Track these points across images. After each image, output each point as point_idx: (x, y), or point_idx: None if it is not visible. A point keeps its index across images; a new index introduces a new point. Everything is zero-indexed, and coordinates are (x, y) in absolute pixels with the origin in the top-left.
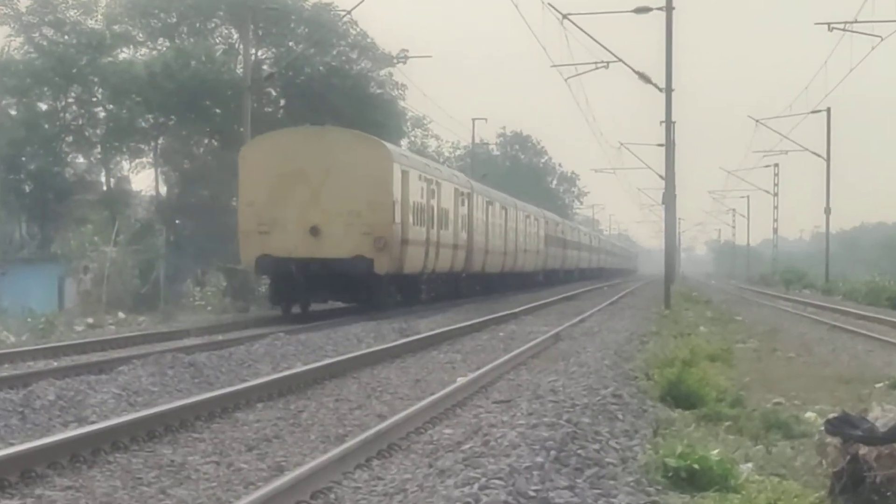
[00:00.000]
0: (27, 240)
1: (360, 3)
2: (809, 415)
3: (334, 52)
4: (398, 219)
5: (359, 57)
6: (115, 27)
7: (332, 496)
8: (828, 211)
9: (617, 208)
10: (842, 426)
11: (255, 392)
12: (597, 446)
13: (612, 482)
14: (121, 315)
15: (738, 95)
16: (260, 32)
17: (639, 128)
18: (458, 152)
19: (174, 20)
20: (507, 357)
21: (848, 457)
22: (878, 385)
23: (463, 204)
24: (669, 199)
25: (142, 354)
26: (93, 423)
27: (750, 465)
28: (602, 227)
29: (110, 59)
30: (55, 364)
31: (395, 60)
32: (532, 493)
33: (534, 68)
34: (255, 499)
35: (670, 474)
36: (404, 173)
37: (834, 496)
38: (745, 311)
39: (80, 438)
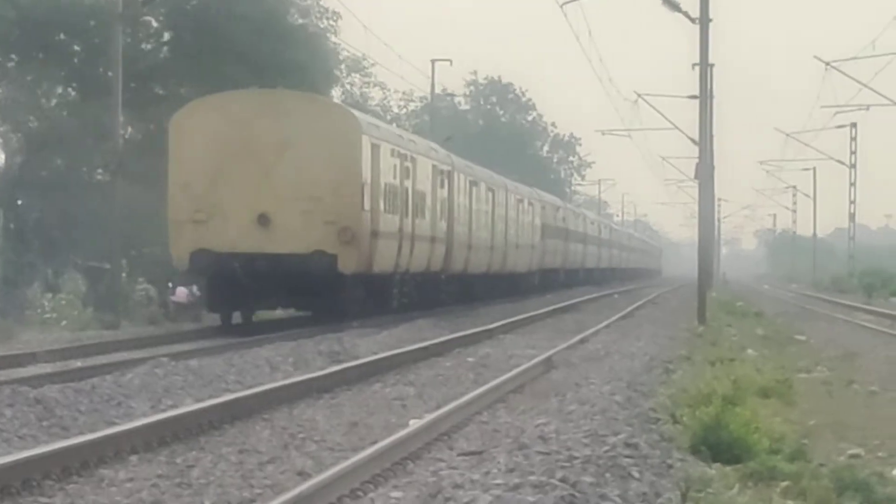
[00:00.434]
0: None
1: None
2: None
3: None
4: (367, 205)
5: None
6: None
7: None
8: None
9: (633, 185)
10: None
11: (128, 440)
12: None
13: None
14: None
15: (799, 29)
16: None
17: (663, 74)
18: (411, 106)
19: None
20: (478, 391)
21: None
22: None
23: (442, 185)
24: (705, 173)
25: None
26: None
27: None
28: (611, 211)
29: None
30: None
31: None
32: None
33: None
34: None
35: None
36: (374, 147)
37: None
38: (811, 329)
39: None
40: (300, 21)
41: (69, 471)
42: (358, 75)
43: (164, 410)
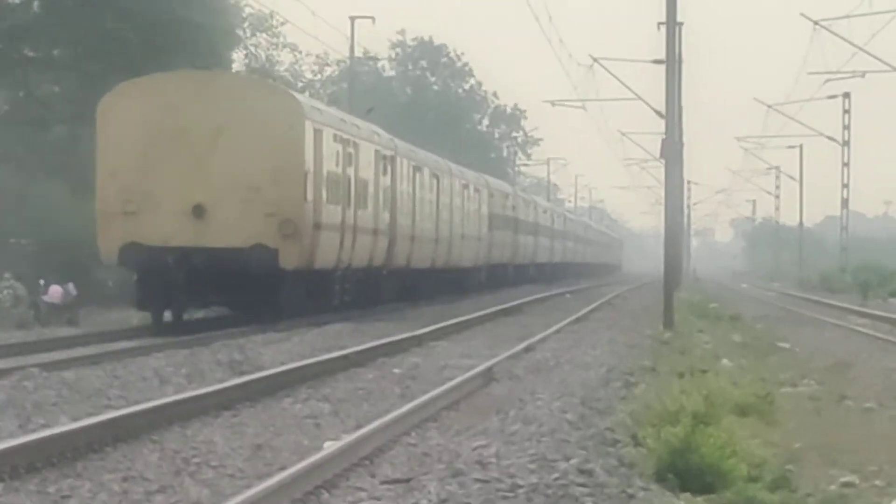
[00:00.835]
0: None
1: None
2: None
3: None
4: (310, 195)
5: None
6: None
7: None
8: None
9: (587, 165)
10: None
11: None
12: None
13: None
14: None
15: None
16: None
17: (623, 35)
18: (327, 72)
19: None
20: (406, 408)
21: None
22: None
23: (385, 172)
24: (672, 151)
25: None
26: None
27: None
28: (562, 195)
29: None
30: None
31: None
32: None
33: None
34: None
35: None
36: (317, 133)
37: None
38: (796, 335)
39: None
40: None
41: None
42: (264, 35)
43: (34, 431)
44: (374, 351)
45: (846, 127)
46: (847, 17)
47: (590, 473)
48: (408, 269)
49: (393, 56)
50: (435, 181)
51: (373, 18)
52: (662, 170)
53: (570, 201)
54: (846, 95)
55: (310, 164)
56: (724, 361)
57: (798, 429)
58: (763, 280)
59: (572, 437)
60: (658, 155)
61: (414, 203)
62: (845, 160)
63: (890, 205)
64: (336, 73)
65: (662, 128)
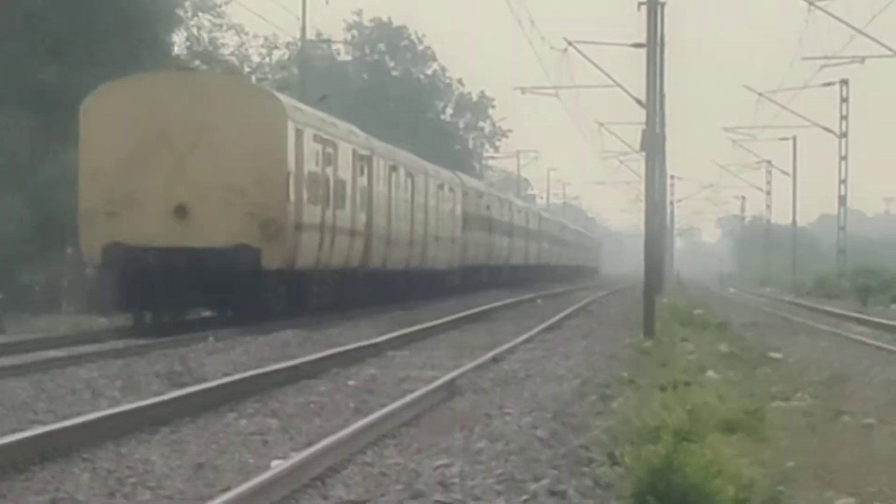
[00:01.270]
0: None
1: None
2: None
3: None
4: (292, 196)
5: None
6: None
7: None
8: None
9: (561, 158)
10: None
11: None
12: None
13: None
14: None
15: None
16: None
17: (600, 16)
18: (276, 55)
19: None
20: (361, 424)
21: None
22: None
23: (362, 172)
24: (654, 143)
25: None
26: None
27: None
28: (533, 191)
29: None
30: None
31: None
32: None
33: None
34: None
35: None
36: (298, 133)
37: None
38: (789, 344)
39: None
40: None
41: None
42: (208, 16)
43: None
44: (328, 361)
45: (844, 117)
46: None
47: (562, 495)
48: (383, 271)
49: (348, 38)
50: (410, 181)
51: None
52: (643, 163)
53: (542, 197)
54: (844, 82)
55: (292, 164)
56: (710, 373)
57: (790, 447)
58: (753, 284)
59: (543, 455)
60: (638, 147)
61: (390, 203)
62: (843, 153)
63: (891, 202)
64: (286, 56)
65: (643, 117)
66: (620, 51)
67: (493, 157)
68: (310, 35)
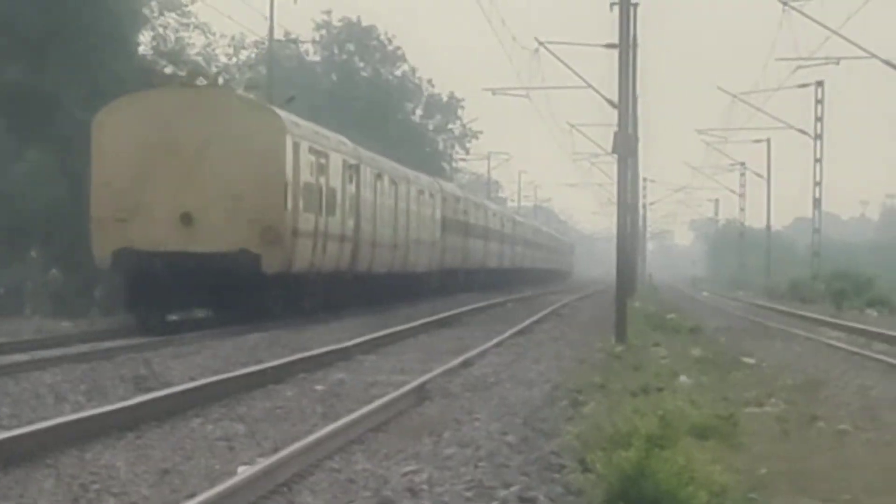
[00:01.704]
0: None
1: None
2: None
3: None
4: (290, 204)
5: None
6: None
7: None
8: None
9: (532, 160)
10: None
11: None
12: None
13: None
14: None
15: None
16: None
17: (572, 17)
18: (243, 55)
19: None
20: (329, 429)
21: None
22: None
23: (351, 180)
24: (626, 146)
25: None
26: None
27: None
28: (504, 193)
29: None
30: None
31: None
32: None
33: None
34: None
35: None
36: (296, 146)
37: None
38: (763, 349)
39: None
40: None
41: None
42: (174, 15)
43: None
44: (295, 365)
45: (819, 119)
46: None
47: (532, 502)
48: (369, 274)
49: (317, 38)
50: (394, 188)
51: None
52: (615, 166)
53: (512, 200)
54: (819, 84)
55: (289, 175)
56: (683, 378)
57: (764, 453)
58: (726, 288)
59: (513, 461)
60: (610, 149)
61: (375, 210)
62: (818, 156)
63: (867, 205)
64: (254, 56)
65: (615, 119)
66: (592, 51)
67: (463, 159)
68: (278, 35)
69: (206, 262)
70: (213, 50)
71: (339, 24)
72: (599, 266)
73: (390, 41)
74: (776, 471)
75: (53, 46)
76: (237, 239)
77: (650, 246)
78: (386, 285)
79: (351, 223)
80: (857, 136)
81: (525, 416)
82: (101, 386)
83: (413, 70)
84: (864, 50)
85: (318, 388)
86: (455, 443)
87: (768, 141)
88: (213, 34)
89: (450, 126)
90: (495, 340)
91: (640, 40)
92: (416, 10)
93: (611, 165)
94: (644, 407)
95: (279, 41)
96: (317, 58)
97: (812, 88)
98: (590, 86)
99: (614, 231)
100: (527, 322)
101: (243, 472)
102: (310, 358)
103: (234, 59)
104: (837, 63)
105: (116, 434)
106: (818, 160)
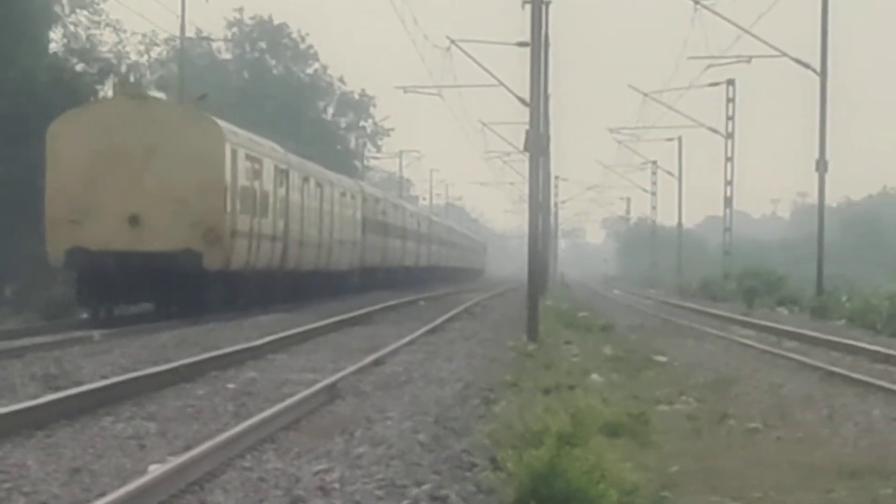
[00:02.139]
0: None
1: None
2: None
3: None
4: (229, 207)
5: None
6: None
7: None
8: (822, 166)
9: (444, 158)
10: None
11: None
12: None
13: None
14: None
15: None
16: None
17: (484, 15)
18: (155, 53)
19: None
20: (240, 428)
21: None
22: None
23: (281, 184)
24: (538, 144)
25: None
26: None
27: None
28: (416, 192)
29: None
30: None
31: None
32: None
33: None
34: None
35: None
36: (234, 153)
37: None
38: (674, 348)
39: None
40: None
41: None
42: (85, 13)
43: None
44: (206, 364)
45: (730, 117)
46: None
47: (444, 500)
48: (297, 272)
49: (229, 36)
50: (319, 190)
51: None
52: (527, 164)
53: (424, 198)
54: (730, 83)
55: (228, 179)
56: (594, 377)
57: (675, 451)
58: (638, 286)
59: (425, 460)
60: (522, 147)
61: (302, 212)
62: (729, 154)
63: (778, 204)
64: (165, 54)
65: (527, 118)
66: (504, 50)
67: (375, 157)
68: (189, 33)
69: (152, 260)
70: (125, 48)
71: (251, 22)
72: (511, 264)
73: (303, 39)
74: (687, 469)
75: None
76: (181, 239)
77: (562, 244)
78: (311, 282)
79: (281, 224)
80: (768, 135)
81: (437, 415)
82: (11, 384)
83: (325, 68)
84: (776, 49)
85: (230, 386)
86: (367, 441)
87: (680, 139)
88: (125, 32)
89: (362, 124)
90: (407, 339)
91: (552, 39)
92: (327, 7)
93: (523, 164)
94: (555, 405)
95: (191, 39)
96: (228, 56)
97: (723, 87)
98: (502, 84)
99: (526, 229)
100: (439, 320)
101: (154, 470)
102: (221, 356)
103: (146, 57)
104: (749, 62)
105: (26, 433)
106: (729, 159)
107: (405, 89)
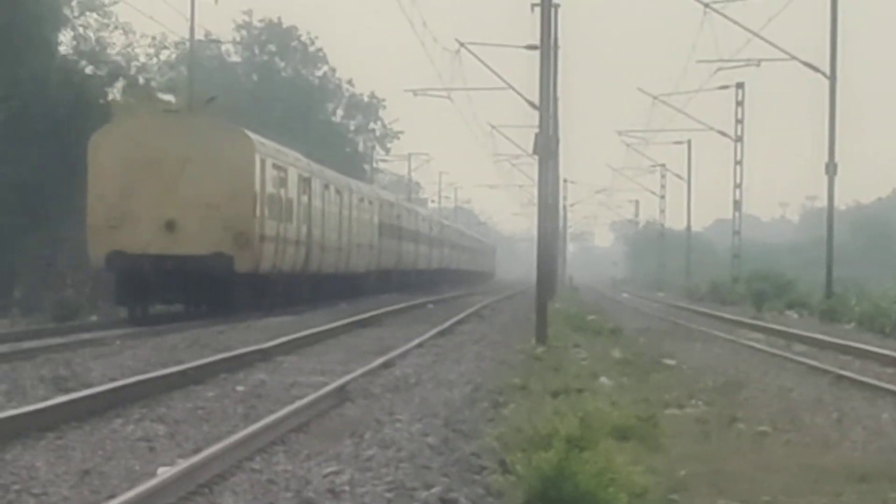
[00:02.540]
0: None
1: None
2: None
3: None
4: (258, 213)
5: None
6: None
7: None
8: (831, 169)
9: (453, 161)
10: None
11: None
12: None
13: None
14: None
15: None
16: None
17: (494, 18)
18: (164, 55)
19: None
20: (249, 430)
21: None
22: None
23: (304, 192)
24: (547, 147)
25: None
26: None
27: None
28: (425, 194)
29: None
30: None
31: None
32: None
33: None
34: None
35: None
36: (262, 162)
37: None
38: (683, 351)
39: None
40: None
41: None
42: (95, 15)
43: None
44: (216, 366)
45: (739, 121)
46: None
47: (453, 503)
48: (318, 275)
49: (238, 39)
50: (339, 196)
51: None
52: (536, 167)
53: (433, 201)
54: (739, 86)
55: (258, 187)
56: (603, 380)
57: (684, 454)
58: (646, 289)
59: (434, 462)
60: (531, 150)
61: (323, 217)
62: (738, 157)
63: (787, 207)
64: (174, 56)
65: (536, 121)
66: (513, 53)
67: (384, 160)
68: (198, 35)
69: (186, 262)
70: (134, 50)
71: (260, 24)
72: (520, 267)
73: (312, 42)
74: (696, 472)
75: None
76: (213, 243)
77: (571, 247)
78: (332, 284)
79: (304, 229)
80: (777, 138)
81: (446, 418)
82: (22, 386)
83: (333, 71)
84: (785, 52)
85: (239, 388)
86: (376, 444)
87: (689, 143)
88: (134, 34)
89: (371, 126)
90: (416, 341)
91: (561, 42)
92: (336, 10)
93: (531, 167)
94: (564, 408)
95: (200, 41)
96: (237, 58)
97: (733, 90)
98: (511, 87)
99: (535, 232)
100: (448, 323)
101: (163, 473)
102: (230, 358)
103: (155, 60)
104: (758, 65)
105: (36, 435)
106: (738, 162)
107: (414, 92)
